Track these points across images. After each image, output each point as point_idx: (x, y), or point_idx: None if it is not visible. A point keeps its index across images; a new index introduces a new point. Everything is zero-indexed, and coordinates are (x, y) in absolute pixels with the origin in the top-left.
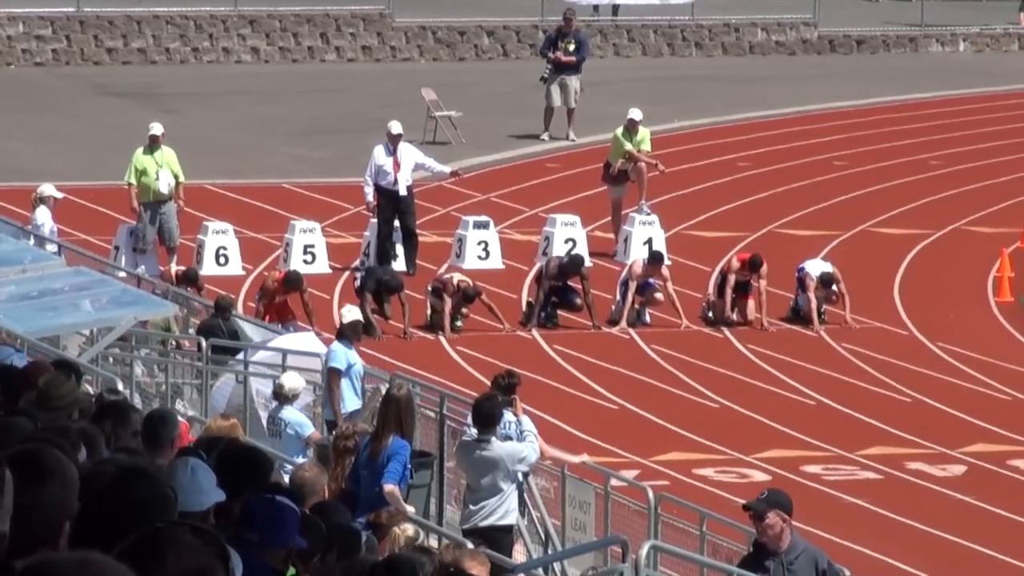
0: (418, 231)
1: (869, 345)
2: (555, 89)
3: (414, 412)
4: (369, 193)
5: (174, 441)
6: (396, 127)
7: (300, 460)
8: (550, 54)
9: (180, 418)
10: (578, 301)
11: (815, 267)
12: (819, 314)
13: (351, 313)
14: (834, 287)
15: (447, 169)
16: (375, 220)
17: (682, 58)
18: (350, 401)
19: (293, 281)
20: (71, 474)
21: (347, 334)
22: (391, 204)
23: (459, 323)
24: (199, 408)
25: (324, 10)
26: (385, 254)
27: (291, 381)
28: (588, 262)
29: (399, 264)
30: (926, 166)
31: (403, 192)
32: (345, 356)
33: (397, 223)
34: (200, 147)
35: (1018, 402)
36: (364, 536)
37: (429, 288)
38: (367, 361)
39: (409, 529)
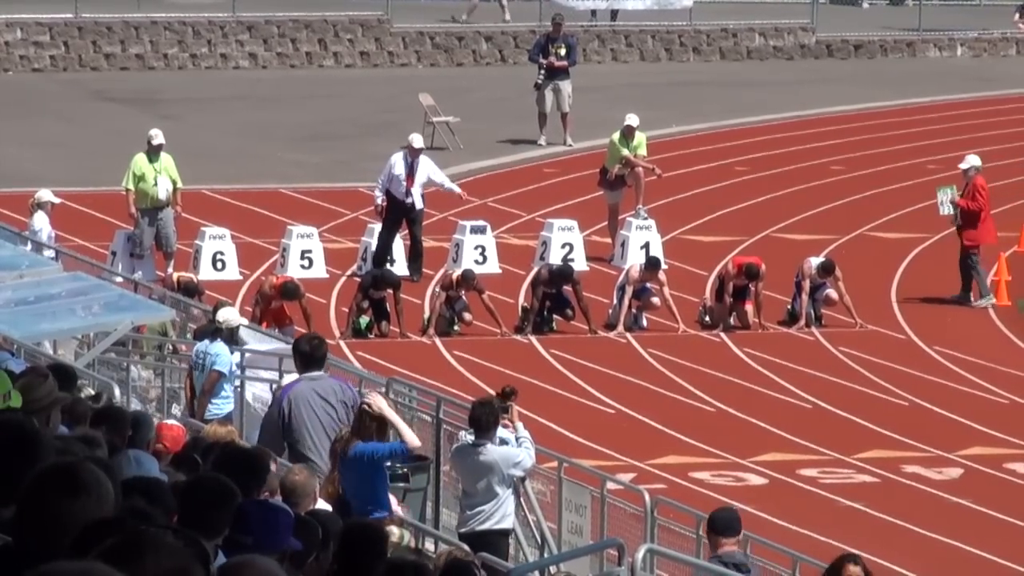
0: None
1: (866, 349)
2: (548, 94)
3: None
4: (379, 197)
5: (149, 442)
6: (418, 140)
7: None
8: (542, 59)
9: (176, 423)
10: (569, 311)
11: (816, 260)
12: (816, 317)
13: (229, 313)
14: (836, 273)
15: (457, 188)
16: (374, 225)
17: (680, 63)
18: (225, 404)
19: (290, 292)
20: (107, 489)
21: (232, 336)
22: (400, 211)
23: (456, 327)
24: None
25: (322, 16)
26: (383, 257)
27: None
28: (584, 265)
29: (398, 269)
30: (923, 170)
31: (419, 205)
32: (230, 359)
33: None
34: (198, 153)
35: (1015, 405)
36: None
37: (436, 290)
38: (365, 366)
39: (394, 533)
